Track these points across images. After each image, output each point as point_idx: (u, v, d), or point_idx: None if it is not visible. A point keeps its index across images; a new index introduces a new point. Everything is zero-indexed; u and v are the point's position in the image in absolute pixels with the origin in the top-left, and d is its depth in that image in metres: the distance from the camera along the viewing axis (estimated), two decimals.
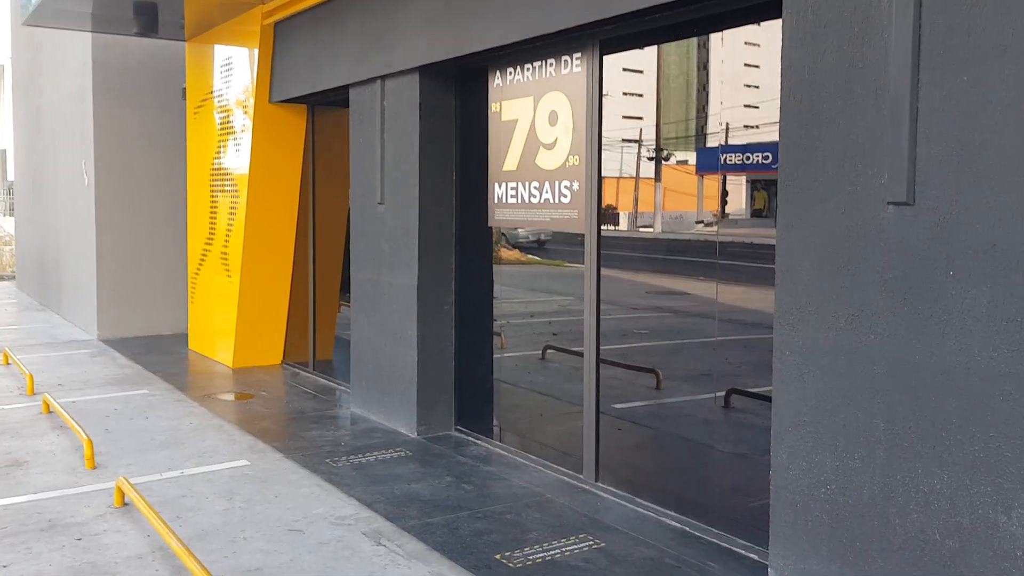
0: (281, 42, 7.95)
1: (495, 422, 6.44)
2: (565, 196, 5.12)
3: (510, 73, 5.56)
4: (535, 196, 5.37)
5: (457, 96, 6.19)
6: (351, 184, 6.95)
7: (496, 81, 5.70)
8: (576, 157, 5.03)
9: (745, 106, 4.94)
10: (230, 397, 7.46)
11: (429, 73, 6.03)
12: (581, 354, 5.25)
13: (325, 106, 8.18)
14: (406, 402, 6.26)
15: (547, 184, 5.26)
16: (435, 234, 6.16)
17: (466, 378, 6.37)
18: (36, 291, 14.13)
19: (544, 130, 5.27)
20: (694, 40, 4.95)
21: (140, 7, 8.09)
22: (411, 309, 6.16)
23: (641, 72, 5.33)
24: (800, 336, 3.49)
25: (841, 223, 3.31)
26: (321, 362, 8.52)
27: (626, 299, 5.96)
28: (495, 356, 6.66)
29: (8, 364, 8.69)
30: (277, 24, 7.97)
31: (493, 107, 5.72)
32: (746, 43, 4.76)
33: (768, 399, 3.73)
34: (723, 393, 5.16)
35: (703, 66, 5.08)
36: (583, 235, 5.04)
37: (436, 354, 6.22)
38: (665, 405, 6.45)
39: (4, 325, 11.48)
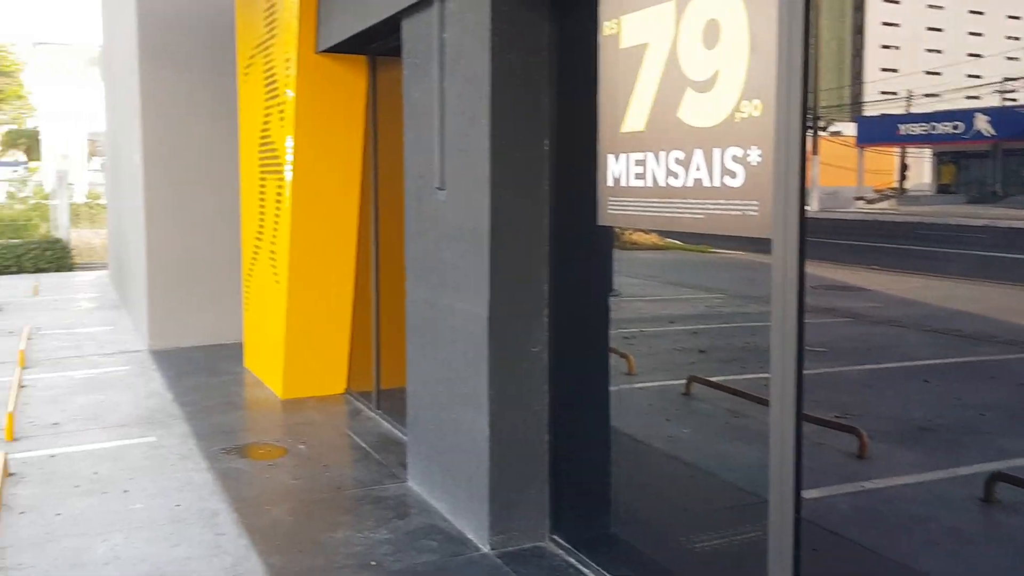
0: None
1: (613, 526, 4.18)
2: (733, 174, 2.78)
3: None
4: (676, 175, 3.05)
5: (551, 15, 3.91)
6: (404, 161, 4.80)
7: None
8: (756, 102, 2.67)
9: (927, 72, 2.53)
10: (257, 452, 5.52)
11: None
12: (743, 394, 2.90)
13: (391, 56, 6.06)
14: (475, 492, 4.09)
15: (699, 153, 2.94)
16: (517, 236, 3.94)
17: (568, 455, 4.13)
18: (118, 285, 12.87)
19: (694, 57, 2.94)
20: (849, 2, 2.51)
21: None
22: (480, 351, 3.97)
23: None
24: None
25: None
26: (390, 393, 6.44)
27: None
28: (617, 388, 4.43)
29: (22, 387, 7.13)
30: None
31: (607, 27, 3.40)
32: (929, 6, 2.44)
33: None
34: (973, 469, 2.92)
35: (858, 30, 2.71)
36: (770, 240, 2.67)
37: (519, 423, 4.01)
38: (881, 495, 4.21)
39: (65, 327, 10.09)
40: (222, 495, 4.73)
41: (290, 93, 6.26)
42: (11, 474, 5.08)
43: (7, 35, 45.01)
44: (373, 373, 6.42)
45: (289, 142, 6.32)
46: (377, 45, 5.86)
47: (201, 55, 8.58)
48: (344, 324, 6.73)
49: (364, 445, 5.61)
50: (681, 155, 3.00)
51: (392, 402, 6.12)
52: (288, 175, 6.36)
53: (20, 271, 15.45)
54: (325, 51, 6.07)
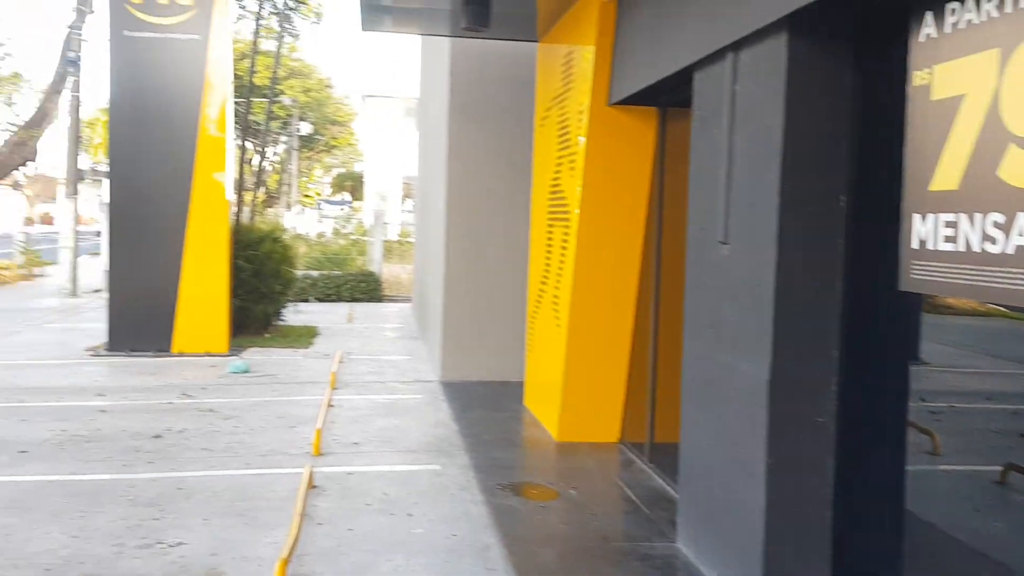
0: (623, 25, 6.01)
1: None
2: None
3: (953, 12, 2.95)
4: (994, 240, 2.71)
5: (854, 64, 3.68)
6: (689, 213, 4.73)
7: (925, 30, 3.11)
8: None
9: None
10: (531, 492, 5.66)
11: (802, 30, 3.63)
12: None
13: (680, 107, 6.05)
14: (747, 564, 3.87)
15: (1022, 217, 2.59)
16: (805, 296, 3.72)
17: (854, 537, 3.79)
18: (419, 318, 13.93)
19: (1020, 110, 2.61)
20: None
21: None
22: (758, 415, 3.78)
23: None
24: None
25: None
26: (664, 447, 6.33)
27: None
28: (916, 468, 4.03)
29: (331, 407, 7.90)
30: (620, 0, 6.05)
31: (918, 77, 3.13)
32: None
33: None
34: None
35: None
36: None
37: (799, 497, 3.75)
38: None
39: (371, 353, 11.09)
40: (495, 530, 4.89)
41: (581, 141, 6.45)
42: (314, 486, 5.62)
43: (344, 89, 51.01)
44: (647, 425, 6.35)
45: (577, 191, 6.50)
46: (667, 96, 5.87)
47: (502, 110, 9.12)
48: (621, 373, 6.74)
49: (635, 498, 5.55)
50: (1001, 218, 2.67)
51: (665, 457, 6.01)
52: (574, 223, 6.53)
53: (339, 299, 17.25)
54: (616, 103, 6.18)
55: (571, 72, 6.87)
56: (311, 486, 5.57)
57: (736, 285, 4.06)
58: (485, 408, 8.04)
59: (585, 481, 5.87)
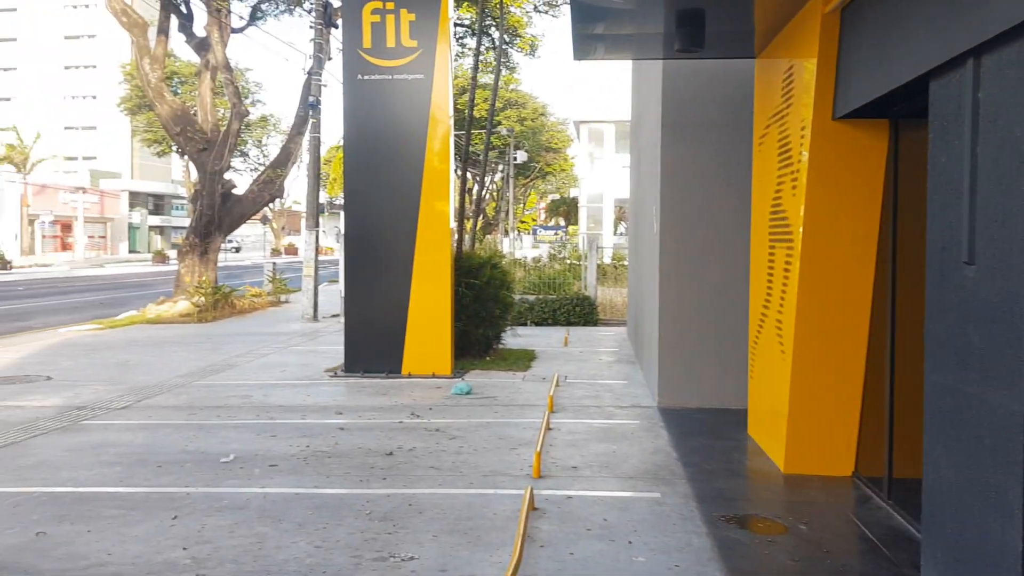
0: (848, 34, 5.72)
1: None
2: None
3: None
4: None
5: None
6: (927, 231, 4.39)
7: None
8: None
9: None
10: (757, 525, 5.44)
11: None
12: None
13: (914, 119, 5.65)
14: None
15: None
16: None
17: None
18: (634, 341, 13.87)
19: None
20: None
21: (686, 18, 6.68)
22: (1014, 453, 3.42)
23: None
24: None
25: None
26: (905, 483, 5.88)
27: None
28: None
29: (549, 429, 8.02)
30: (844, 11, 5.77)
31: None
32: None
33: None
34: None
35: None
36: None
37: None
38: None
39: (587, 377, 11.17)
40: (719, 564, 4.75)
41: (804, 158, 6.18)
42: (535, 508, 5.72)
43: (558, 116, 52.19)
44: (885, 458, 5.93)
45: (800, 211, 6.23)
46: (900, 107, 5.51)
47: (717, 129, 8.95)
48: (853, 402, 6.34)
49: (871, 536, 5.19)
50: None
51: (906, 493, 5.58)
52: (798, 244, 6.26)
53: (554, 323, 17.55)
54: (842, 117, 5.88)
55: (792, 87, 6.62)
56: (532, 508, 5.68)
57: (984, 309, 3.72)
58: (705, 436, 7.85)
59: (816, 516, 5.57)
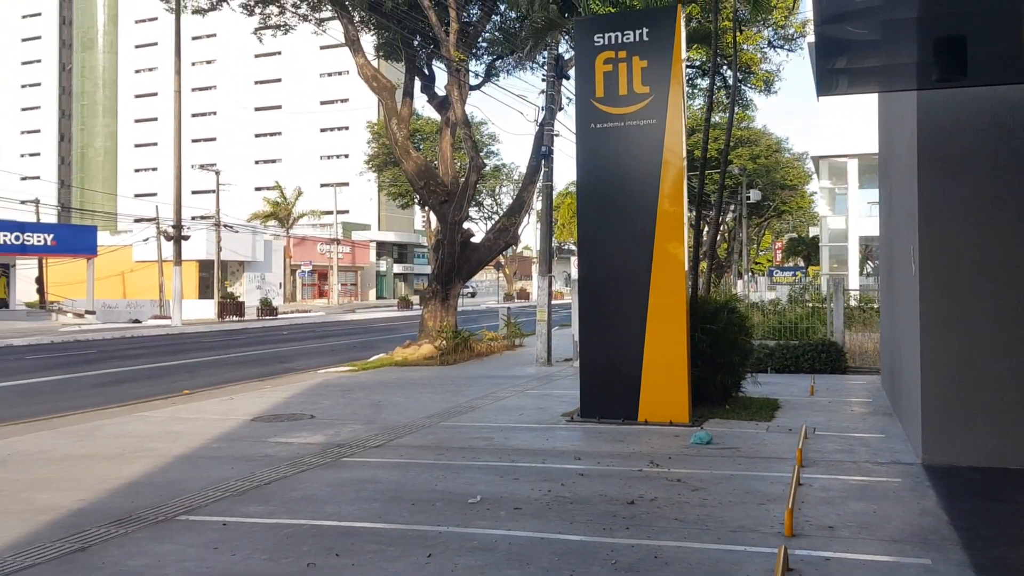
0: None
1: None
2: None
3: None
4: None
5: None
6: None
7: None
8: None
9: None
10: None
11: None
12: None
13: None
14: None
15: None
16: None
17: None
18: (889, 392, 12.86)
19: None
20: None
21: (944, 46, 6.21)
22: None
23: None
24: None
25: None
26: None
27: None
28: None
29: (799, 485, 7.56)
30: None
31: None
32: None
33: None
34: None
35: None
36: None
37: None
38: None
39: (837, 429, 10.47)
40: None
41: None
42: (790, 569, 5.38)
43: (794, 152, 50.20)
44: None
45: None
46: None
47: (986, 162, 8.16)
48: None
49: None
50: None
51: None
52: None
53: (797, 370, 16.68)
54: None
55: None
56: (787, 569, 5.35)
57: None
58: (980, 497, 7.09)
59: None
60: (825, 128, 37.41)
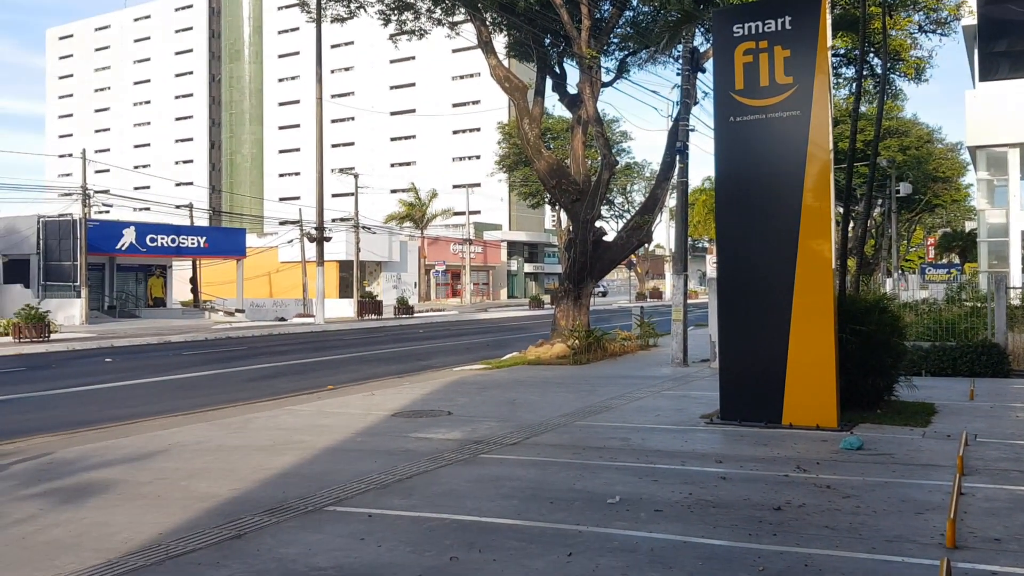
0: None
1: None
2: None
3: None
4: None
5: None
6: None
7: None
8: None
9: None
10: None
11: None
12: None
13: None
14: None
15: None
16: None
17: None
18: None
19: None
20: None
21: None
22: None
23: None
24: None
25: None
26: None
27: None
28: None
29: (961, 494, 7.08)
30: None
31: None
32: None
33: None
34: None
35: None
36: None
37: None
38: None
39: (1002, 436, 9.77)
40: None
41: None
42: None
43: (948, 142, 47.29)
44: None
45: None
46: None
47: None
48: None
49: None
50: None
51: None
52: None
53: (954, 373, 15.68)
54: None
55: None
56: None
57: None
58: None
59: None
60: (982, 115, 35.08)
